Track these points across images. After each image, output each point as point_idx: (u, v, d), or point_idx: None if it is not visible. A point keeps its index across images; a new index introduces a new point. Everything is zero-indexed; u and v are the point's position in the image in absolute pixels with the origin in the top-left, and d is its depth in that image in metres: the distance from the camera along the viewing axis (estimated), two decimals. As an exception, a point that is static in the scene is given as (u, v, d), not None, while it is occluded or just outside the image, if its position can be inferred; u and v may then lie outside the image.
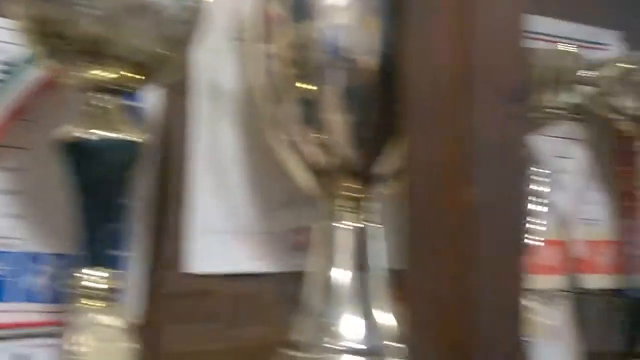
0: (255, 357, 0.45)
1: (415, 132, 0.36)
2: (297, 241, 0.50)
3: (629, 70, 0.57)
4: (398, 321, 0.41)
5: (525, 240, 0.51)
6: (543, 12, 0.61)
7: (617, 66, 0.58)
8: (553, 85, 0.48)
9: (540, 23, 0.63)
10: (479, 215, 0.35)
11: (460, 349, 0.35)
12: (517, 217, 0.37)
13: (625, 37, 0.66)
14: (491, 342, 0.36)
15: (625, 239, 0.61)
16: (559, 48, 0.52)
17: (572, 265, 0.62)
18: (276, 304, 0.48)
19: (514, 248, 0.36)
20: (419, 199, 0.36)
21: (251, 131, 0.50)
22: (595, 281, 0.64)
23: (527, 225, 0.51)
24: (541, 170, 0.52)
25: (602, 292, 0.63)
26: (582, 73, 0.58)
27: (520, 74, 0.37)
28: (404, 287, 0.36)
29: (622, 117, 0.59)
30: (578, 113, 0.63)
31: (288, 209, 0.50)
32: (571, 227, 0.62)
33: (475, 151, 0.35)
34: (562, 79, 0.49)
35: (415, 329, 0.35)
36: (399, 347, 0.41)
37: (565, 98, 0.50)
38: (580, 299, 0.62)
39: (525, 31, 0.38)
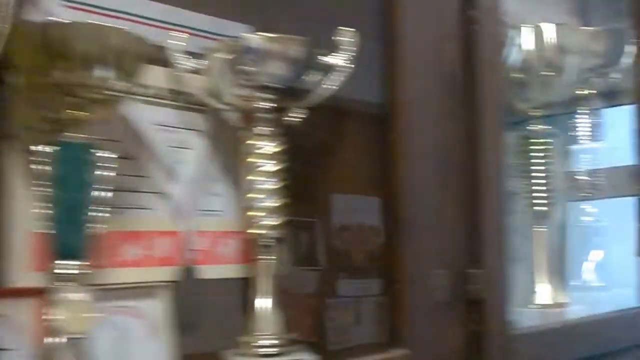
0: None
1: None
2: None
3: (230, 60, 0.54)
4: None
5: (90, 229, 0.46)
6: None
7: (218, 56, 0.55)
8: (106, 65, 0.43)
9: (160, 11, 0.59)
10: None
11: None
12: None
13: (254, 31, 0.65)
14: None
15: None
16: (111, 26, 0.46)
17: (188, 256, 0.59)
18: None
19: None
20: None
21: None
22: (217, 271, 0.61)
23: (91, 212, 0.45)
24: (106, 155, 0.47)
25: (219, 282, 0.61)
26: (178, 61, 0.55)
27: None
28: None
29: (229, 107, 0.57)
30: (199, 103, 0.60)
31: None
32: (188, 218, 0.59)
33: None
34: (120, 60, 0.44)
35: None
36: None
37: (123, 79, 0.45)
38: (195, 289, 0.59)
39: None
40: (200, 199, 0.60)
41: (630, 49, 0.98)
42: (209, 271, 0.60)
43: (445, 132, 0.55)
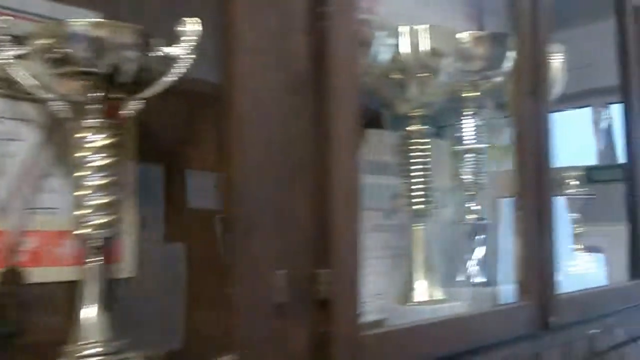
0: None
1: None
2: None
3: (53, 45, 0.49)
4: None
5: None
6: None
7: (41, 42, 0.50)
8: None
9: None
10: None
11: None
12: None
13: (104, 17, 0.59)
14: None
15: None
16: None
17: (14, 257, 0.53)
18: None
19: None
20: None
21: None
22: (47, 274, 0.56)
23: None
24: None
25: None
26: None
27: None
28: None
29: (56, 97, 0.51)
30: (27, 92, 0.54)
31: None
32: (15, 215, 0.53)
33: None
34: None
35: None
36: None
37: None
38: (20, 294, 0.53)
39: None
40: (30, 195, 0.54)
41: (511, 55, 0.99)
42: (38, 274, 0.54)
43: (292, 129, 0.51)
